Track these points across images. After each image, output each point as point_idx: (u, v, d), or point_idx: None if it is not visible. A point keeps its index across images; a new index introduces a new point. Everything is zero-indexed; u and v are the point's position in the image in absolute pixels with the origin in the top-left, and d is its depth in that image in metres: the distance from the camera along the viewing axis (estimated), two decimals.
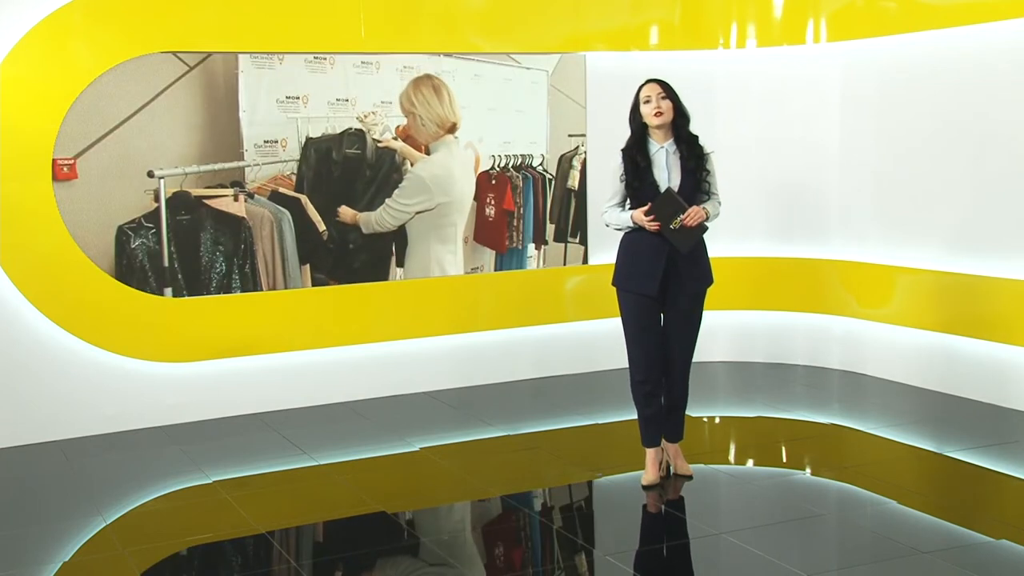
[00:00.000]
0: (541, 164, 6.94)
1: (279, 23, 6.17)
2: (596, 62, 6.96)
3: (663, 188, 4.65)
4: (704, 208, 4.63)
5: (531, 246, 6.99)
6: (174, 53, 5.95)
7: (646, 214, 4.59)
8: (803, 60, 7.00)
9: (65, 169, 5.76)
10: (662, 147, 4.70)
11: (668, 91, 4.67)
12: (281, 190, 6.29)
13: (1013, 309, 5.95)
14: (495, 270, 6.91)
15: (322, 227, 6.38)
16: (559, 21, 6.87)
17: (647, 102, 4.67)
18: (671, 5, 7.10)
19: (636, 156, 4.68)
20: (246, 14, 6.10)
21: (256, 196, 6.23)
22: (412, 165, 6.55)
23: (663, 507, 4.72)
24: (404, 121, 6.56)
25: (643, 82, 4.74)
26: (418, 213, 6.59)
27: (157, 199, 6.00)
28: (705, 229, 4.65)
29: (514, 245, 6.94)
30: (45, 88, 5.68)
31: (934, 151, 6.34)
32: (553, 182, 6.99)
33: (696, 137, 4.73)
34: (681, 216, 4.55)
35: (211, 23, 6.02)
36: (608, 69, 6.95)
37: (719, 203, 4.79)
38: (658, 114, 4.64)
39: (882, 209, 6.70)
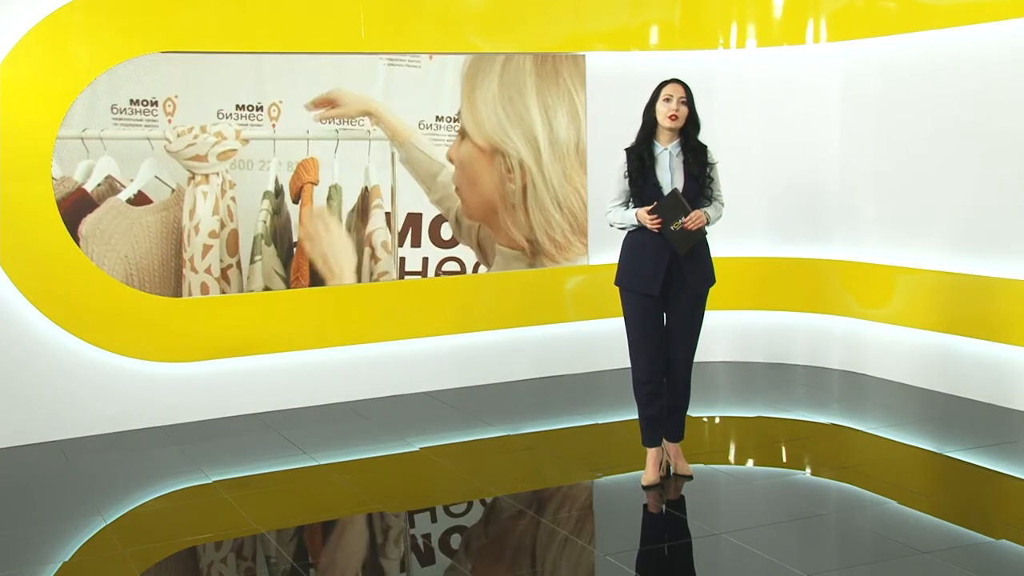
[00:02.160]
0: None
1: (279, 23, 6.17)
2: (596, 62, 6.96)
3: (665, 188, 4.66)
4: (705, 212, 4.65)
5: None
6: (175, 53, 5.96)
7: (650, 212, 4.60)
8: (803, 60, 7.00)
9: None
10: (666, 149, 4.71)
11: (689, 97, 4.68)
12: None
13: (1013, 309, 5.95)
14: None
15: None
16: (559, 21, 6.87)
17: (667, 101, 4.66)
18: (671, 5, 7.10)
19: (643, 154, 4.69)
20: (246, 14, 6.10)
21: None
22: None
23: (663, 507, 4.72)
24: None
25: (667, 79, 4.73)
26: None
27: None
28: (705, 233, 4.68)
29: None
30: (45, 88, 5.69)
31: (934, 151, 6.35)
32: None
33: (705, 147, 4.74)
34: (683, 219, 4.57)
35: (211, 23, 6.02)
36: (608, 69, 6.95)
37: (722, 204, 4.80)
38: (673, 118, 4.64)
39: (882, 209, 6.70)
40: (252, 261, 6.26)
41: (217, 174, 6.12)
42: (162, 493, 5.03)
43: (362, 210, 6.49)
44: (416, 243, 6.64)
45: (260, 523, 4.55)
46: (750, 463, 5.44)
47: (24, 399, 5.80)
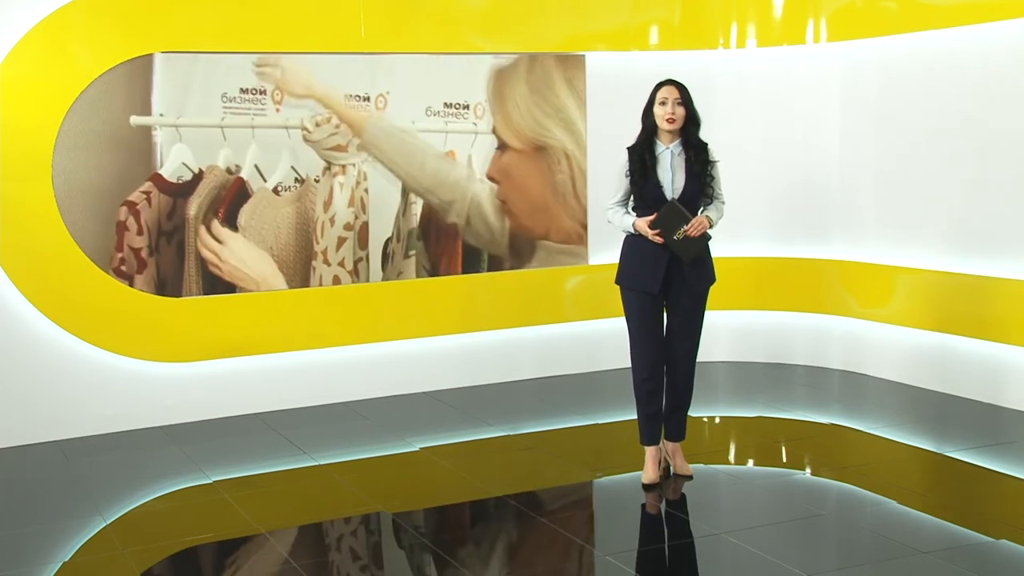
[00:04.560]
0: None
1: (279, 23, 6.17)
2: (596, 62, 6.96)
3: (666, 187, 4.67)
4: (707, 216, 4.66)
5: None
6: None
7: (651, 226, 4.60)
8: (803, 60, 7.00)
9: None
10: (667, 148, 4.72)
11: (685, 97, 4.68)
12: None
13: (1013, 309, 5.95)
14: None
15: None
16: (559, 21, 6.87)
17: (663, 104, 4.67)
18: (671, 5, 7.10)
19: (644, 154, 4.69)
20: (245, 14, 6.10)
21: None
22: None
23: (663, 507, 4.72)
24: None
25: (662, 81, 4.74)
26: None
27: None
28: (709, 238, 4.68)
29: None
30: (45, 88, 5.69)
31: (934, 151, 6.35)
32: None
33: (706, 144, 4.74)
34: (685, 227, 4.57)
35: (211, 23, 6.02)
36: (608, 69, 6.95)
37: (723, 203, 4.81)
38: (670, 120, 4.65)
39: (882, 209, 6.70)
40: (406, 256, 6.43)
41: (354, 165, 6.22)
42: (162, 493, 5.03)
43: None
44: None
45: (260, 523, 4.55)
46: (750, 463, 5.44)
47: (24, 399, 5.80)
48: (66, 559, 4.26)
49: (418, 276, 6.52)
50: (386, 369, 6.62)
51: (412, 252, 6.46)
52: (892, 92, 6.57)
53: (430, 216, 6.56)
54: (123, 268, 5.87)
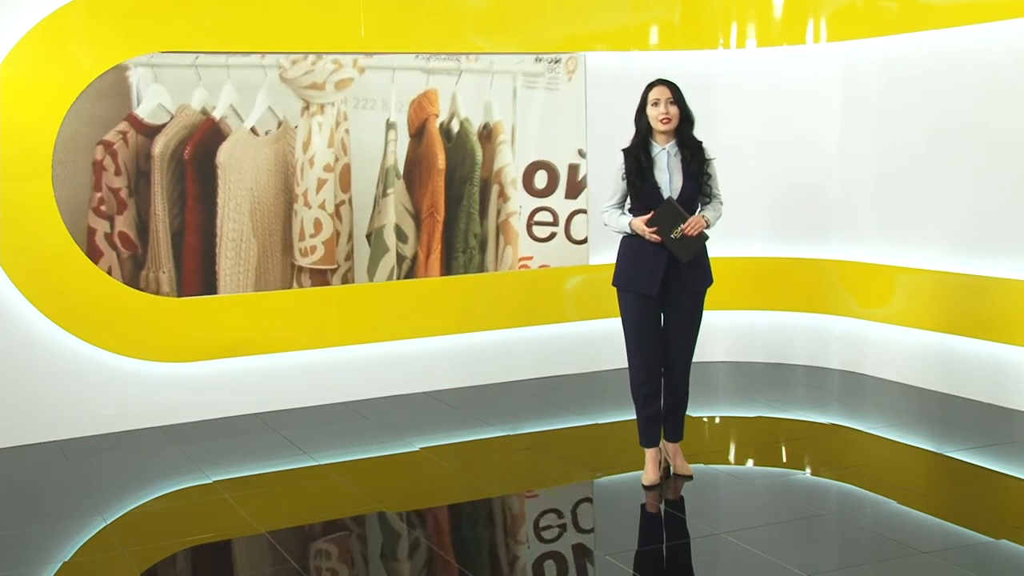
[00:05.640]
0: None
1: (279, 23, 6.17)
2: (596, 62, 6.96)
3: (664, 189, 4.66)
4: (704, 216, 4.65)
5: None
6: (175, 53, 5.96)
7: (647, 224, 4.60)
8: (803, 60, 7.00)
9: None
10: (663, 149, 4.71)
11: (677, 96, 4.67)
12: None
13: (1013, 309, 5.95)
14: None
15: None
16: (559, 21, 6.87)
17: (655, 105, 4.66)
18: (671, 5, 7.10)
19: (640, 155, 4.68)
20: (246, 14, 6.10)
21: None
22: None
23: (663, 507, 4.72)
24: None
25: (653, 81, 4.73)
26: None
27: None
28: (706, 238, 4.67)
29: None
30: (45, 88, 5.69)
31: (934, 151, 6.35)
32: None
33: (700, 143, 4.73)
34: (682, 226, 4.56)
35: (211, 23, 6.02)
36: (608, 69, 6.95)
37: (721, 203, 4.80)
38: (665, 120, 4.64)
39: (882, 209, 6.70)
40: (384, 194, 6.29)
41: (332, 104, 6.10)
42: (162, 493, 5.03)
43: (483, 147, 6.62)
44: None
45: (260, 523, 4.55)
46: (750, 463, 5.44)
47: (24, 399, 5.81)
48: (66, 559, 4.26)
49: (398, 217, 6.38)
50: (386, 369, 6.62)
51: (390, 191, 6.33)
52: (892, 92, 6.57)
53: (415, 157, 6.44)
54: (103, 208, 5.77)
